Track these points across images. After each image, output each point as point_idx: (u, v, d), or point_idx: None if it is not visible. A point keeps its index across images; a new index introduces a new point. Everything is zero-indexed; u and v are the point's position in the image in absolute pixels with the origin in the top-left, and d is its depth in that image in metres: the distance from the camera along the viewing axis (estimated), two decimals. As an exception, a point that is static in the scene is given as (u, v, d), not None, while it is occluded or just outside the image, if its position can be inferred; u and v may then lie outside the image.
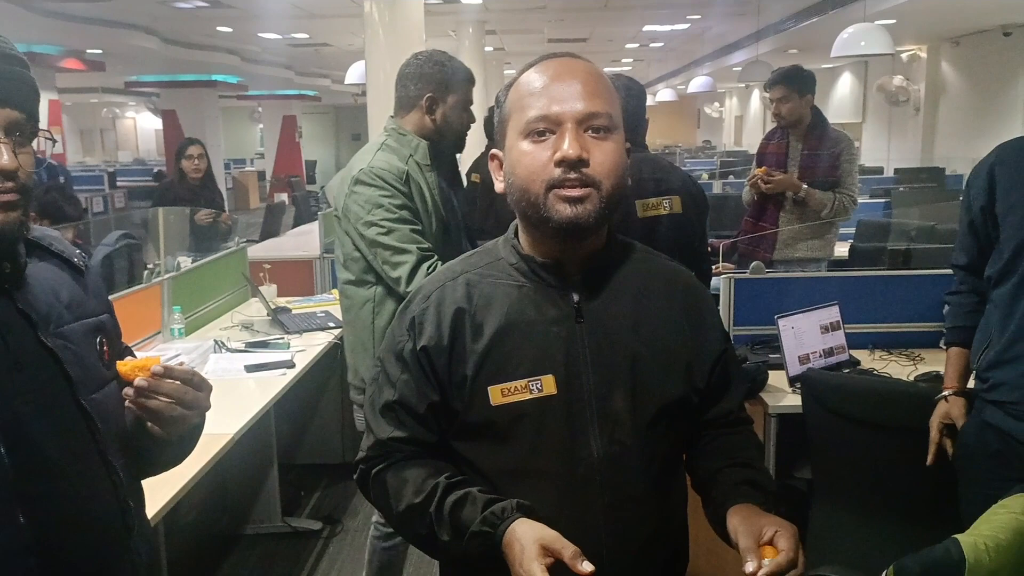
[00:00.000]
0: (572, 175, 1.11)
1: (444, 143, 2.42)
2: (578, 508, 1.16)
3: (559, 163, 1.11)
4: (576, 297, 1.19)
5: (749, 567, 1.03)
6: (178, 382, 1.12)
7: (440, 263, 2.21)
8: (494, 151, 1.22)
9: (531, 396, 1.15)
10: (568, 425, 1.15)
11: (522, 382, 1.15)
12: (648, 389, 1.18)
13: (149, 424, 1.13)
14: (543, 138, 1.13)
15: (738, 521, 1.10)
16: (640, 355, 1.19)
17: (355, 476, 1.27)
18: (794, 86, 3.69)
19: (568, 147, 1.10)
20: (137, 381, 1.09)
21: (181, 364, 1.18)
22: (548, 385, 1.15)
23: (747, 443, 1.29)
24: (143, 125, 25.43)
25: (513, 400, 1.15)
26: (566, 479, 1.15)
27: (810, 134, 3.74)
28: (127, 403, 1.12)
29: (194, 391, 1.14)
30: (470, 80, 2.44)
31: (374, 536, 2.58)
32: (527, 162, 1.13)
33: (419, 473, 1.18)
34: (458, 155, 2.56)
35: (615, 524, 1.16)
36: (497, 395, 1.15)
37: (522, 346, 1.16)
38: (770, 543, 1.06)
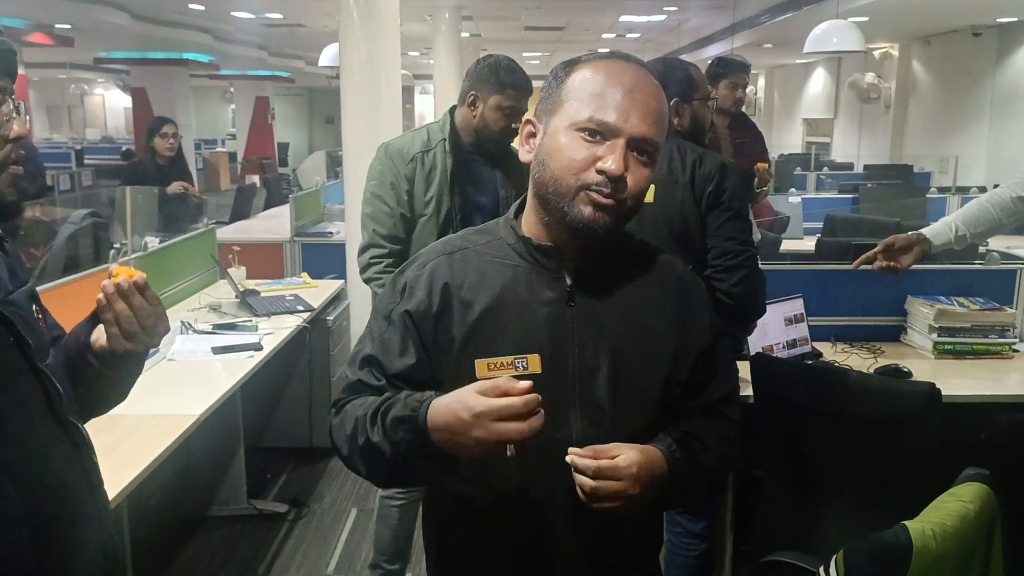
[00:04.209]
0: (607, 188, 1.14)
1: (484, 140, 2.53)
2: (553, 486, 1.18)
3: (600, 172, 1.13)
4: (569, 281, 1.21)
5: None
6: (147, 304, 1.16)
7: (390, 258, 2.48)
8: (529, 118, 1.24)
9: (516, 373, 1.16)
10: (550, 405, 1.16)
11: (508, 358, 1.17)
12: (631, 376, 1.21)
13: (107, 333, 1.16)
14: (593, 139, 1.14)
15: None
16: (626, 342, 1.21)
17: (329, 433, 1.27)
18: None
19: (614, 164, 1.13)
20: (121, 279, 1.13)
21: None
22: (533, 364, 1.17)
23: (706, 426, 1.27)
24: (112, 103, 24.97)
25: (498, 375, 1.16)
26: (544, 457, 1.16)
27: (735, 121, 3.89)
28: (99, 296, 1.14)
29: (155, 318, 1.18)
30: (515, 87, 2.47)
31: (381, 496, 2.69)
32: (569, 155, 1.15)
33: (374, 398, 1.20)
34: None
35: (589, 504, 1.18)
36: (483, 369, 1.17)
37: (511, 324, 1.19)
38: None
